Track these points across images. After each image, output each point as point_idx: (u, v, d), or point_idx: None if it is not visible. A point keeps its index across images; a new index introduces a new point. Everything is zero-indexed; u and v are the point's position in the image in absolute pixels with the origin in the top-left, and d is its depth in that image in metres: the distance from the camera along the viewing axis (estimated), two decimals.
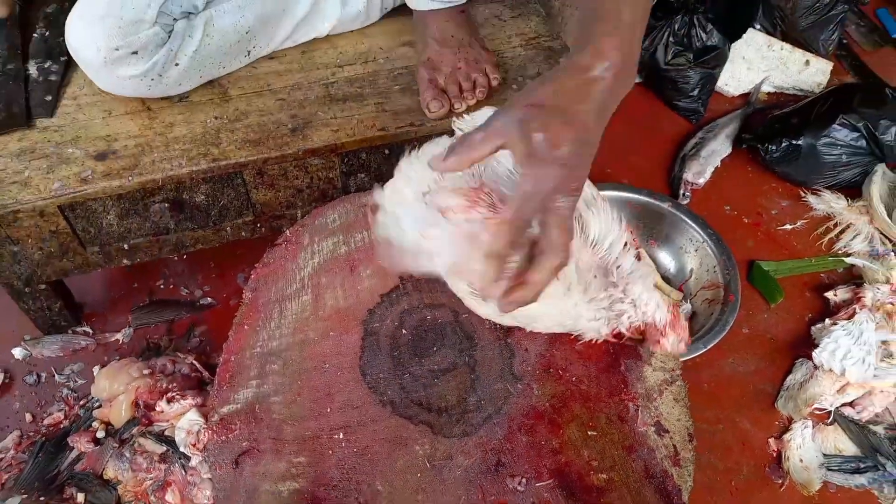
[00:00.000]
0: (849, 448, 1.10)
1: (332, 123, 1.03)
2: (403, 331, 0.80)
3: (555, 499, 0.67)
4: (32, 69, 1.06)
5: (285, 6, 1.07)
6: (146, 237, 1.06)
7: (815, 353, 1.14)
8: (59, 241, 1.00)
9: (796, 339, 1.23)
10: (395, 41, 1.16)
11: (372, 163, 1.09)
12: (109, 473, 0.98)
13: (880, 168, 1.41)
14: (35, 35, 1.11)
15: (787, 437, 1.10)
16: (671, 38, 1.56)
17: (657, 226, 1.27)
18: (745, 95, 1.68)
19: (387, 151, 1.08)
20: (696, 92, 1.58)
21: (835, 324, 1.17)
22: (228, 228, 1.10)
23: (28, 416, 1.09)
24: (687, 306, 1.21)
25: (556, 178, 0.57)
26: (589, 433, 0.72)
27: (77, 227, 1.00)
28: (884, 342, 1.15)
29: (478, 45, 1.10)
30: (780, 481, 1.06)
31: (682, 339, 0.74)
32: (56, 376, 1.13)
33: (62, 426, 1.07)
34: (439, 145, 0.73)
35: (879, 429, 1.11)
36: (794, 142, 1.43)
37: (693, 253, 1.24)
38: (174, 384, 1.03)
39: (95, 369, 1.12)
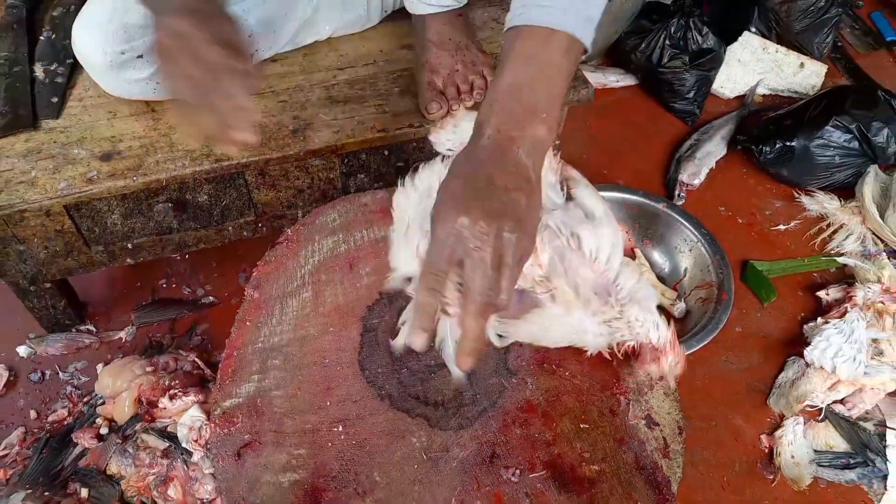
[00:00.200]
0: (839, 444, 1.11)
1: (332, 125, 1.04)
2: (401, 327, 0.81)
3: (547, 489, 0.69)
4: (39, 71, 1.07)
5: (287, 10, 1.08)
6: (149, 236, 1.07)
7: (807, 351, 1.15)
8: (64, 241, 1.01)
9: (789, 337, 1.25)
10: (394, 44, 1.18)
11: (372, 164, 1.11)
12: (113, 469, 0.99)
13: (873, 169, 1.42)
14: (41, 38, 1.13)
15: (778, 433, 1.11)
16: (667, 41, 1.58)
17: (652, 226, 1.29)
18: (741, 97, 1.70)
19: (386, 152, 1.09)
20: (692, 94, 1.60)
21: (826, 322, 1.19)
22: (230, 228, 1.11)
23: (32, 413, 1.09)
24: (681, 305, 1.22)
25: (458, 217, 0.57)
26: (581, 426, 0.73)
27: (82, 226, 1.01)
28: (874, 340, 1.16)
29: (475, 48, 1.12)
30: (772, 476, 1.08)
31: (679, 362, 0.72)
32: (60, 374, 1.14)
33: (66, 423, 1.08)
34: (434, 171, 0.75)
35: (869, 425, 1.12)
36: (787, 143, 1.44)
37: (687, 252, 1.26)
38: (176, 381, 1.03)
39: (99, 367, 1.13)
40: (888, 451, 1.09)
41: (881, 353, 1.15)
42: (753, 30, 1.72)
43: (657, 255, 1.30)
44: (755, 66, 1.69)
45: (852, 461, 1.09)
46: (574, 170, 0.76)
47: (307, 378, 0.77)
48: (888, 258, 1.32)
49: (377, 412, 0.75)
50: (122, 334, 1.20)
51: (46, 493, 0.97)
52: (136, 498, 0.97)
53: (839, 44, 1.83)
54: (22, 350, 1.17)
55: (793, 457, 1.09)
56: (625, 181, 1.47)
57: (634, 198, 1.29)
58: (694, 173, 1.48)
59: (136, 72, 0.98)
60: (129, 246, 1.07)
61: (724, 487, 1.06)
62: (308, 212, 0.95)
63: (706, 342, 1.11)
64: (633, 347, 0.72)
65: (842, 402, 1.15)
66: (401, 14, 1.19)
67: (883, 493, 1.06)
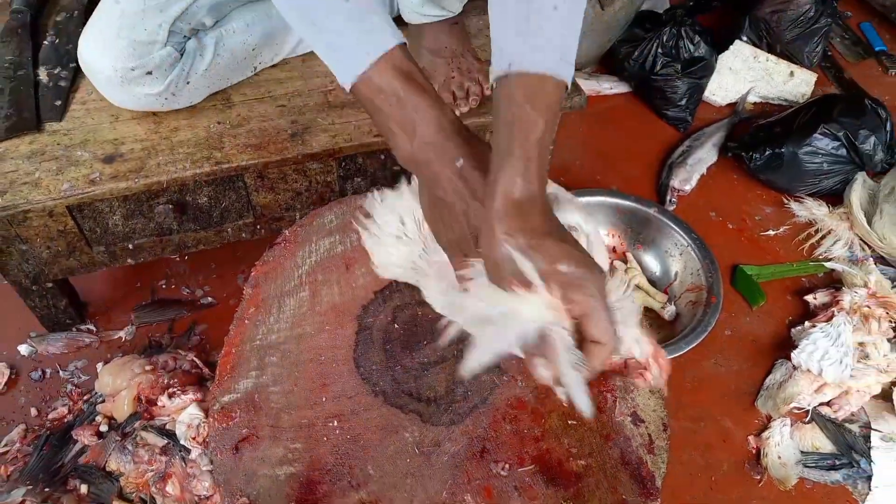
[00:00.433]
0: (825, 446, 1.13)
1: (330, 129, 1.07)
2: (396, 325, 0.83)
3: (536, 483, 0.71)
4: (43, 75, 1.09)
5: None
6: (150, 237, 1.09)
7: (794, 354, 1.17)
8: (66, 241, 1.03)
9: (776, 340, 1.27)
10: None
11: (368, 167, 1.13)
12: (112, 466, 1.00)
13: (860, 176, 1.45)
14: (45, 42, 1.14)
15: (766, 434, 1.13)
16: (660, 50, 1.61)
17: (644, 230, 1.32)
18: (732, 105, 1.73)
19: (383, 156, 1.11)
20: (683, 101, 1.63)
21: (814, 326, 1.21)
22: (229, 230, 1.13)
23: (33, 411, 1.11)
24: (671, 308, 1.25)
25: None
26: (569, 422, 0.75)
27: (84, 226, 1.03)
28: (860, 344, 1.18)
29: (470, 56, 1.14)
30: (759, 477, 1.09)
31: (664, 372, 0.71)
32: (60, 372, 1.16)
33: (66, 420, 1.09)
34: (403, 197, 0.79)
35: (855, 427, 1.14)
36: (777, 150, 1.47)
37: (678, 257, 1.28)
38: (175, 380, 1.05)
39: (99, 366, 1.14)
40: (873, 453, 1.11)
41: (867, 357, 1.18)
42: (745, 39, 1.75)
43: (648, 259, 1.32)
44: (746, 75, 1.71)
45: (838, 462, 1.11)
46: (562, 188, 0.76)
47: (303, 374, 0.79)
48: (875, 263, 1.34)
49: (371, 408, 0.76)
50: (122, 334, 1.21)
51: (46, 490, 0.99)
52: (134, 494, 0.99)
53: (829, 53, 1.86)
54: (23, 349, 1.18)
55: (779, 458, 1.11)
56: (618, 186, 1.49)
57: (627, 203, 1.32)
58: (685, 179, 1.51)
59: (147, 87, 0.99)
60: (130, 246, 1.09)
61: (713, 487, 1.08)
62: (306, 214, 0.96)
63: (695, 345, 1.14)
64: (617, 363, 0.71)
65: (828, 404, 1.17)
66: (398, 23, 1.20)
67: (867, 494, 1.08)
